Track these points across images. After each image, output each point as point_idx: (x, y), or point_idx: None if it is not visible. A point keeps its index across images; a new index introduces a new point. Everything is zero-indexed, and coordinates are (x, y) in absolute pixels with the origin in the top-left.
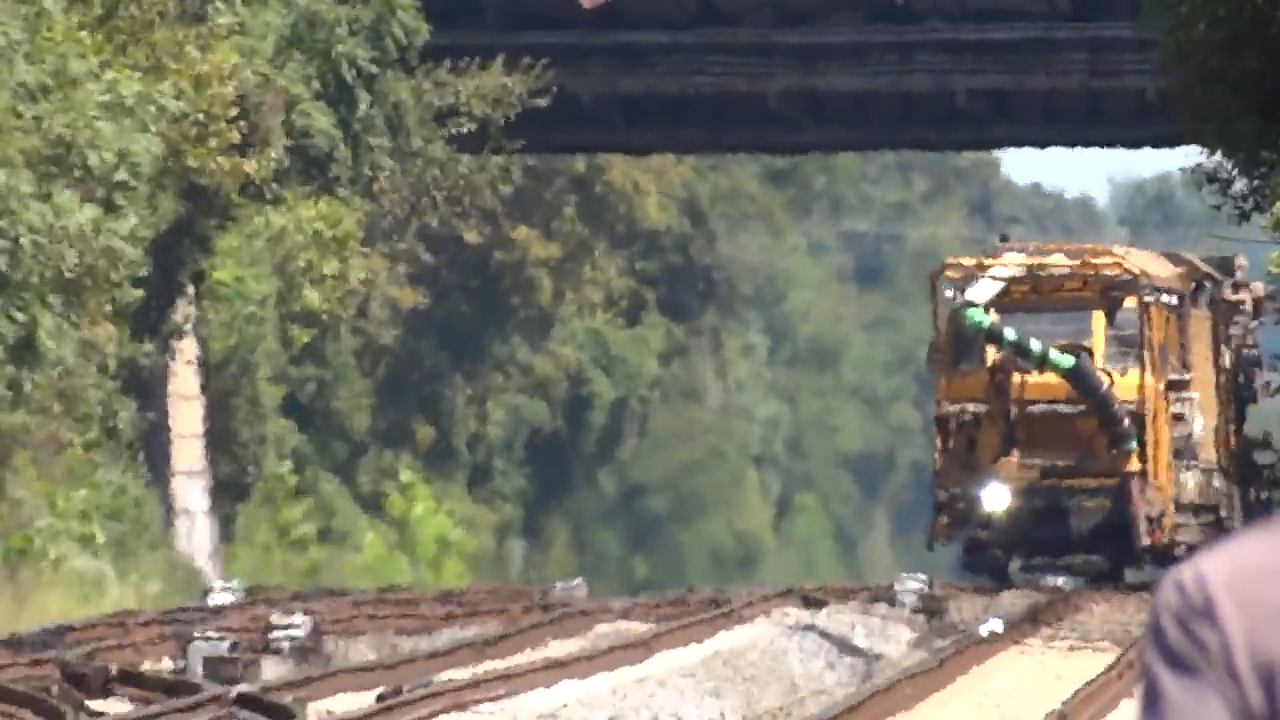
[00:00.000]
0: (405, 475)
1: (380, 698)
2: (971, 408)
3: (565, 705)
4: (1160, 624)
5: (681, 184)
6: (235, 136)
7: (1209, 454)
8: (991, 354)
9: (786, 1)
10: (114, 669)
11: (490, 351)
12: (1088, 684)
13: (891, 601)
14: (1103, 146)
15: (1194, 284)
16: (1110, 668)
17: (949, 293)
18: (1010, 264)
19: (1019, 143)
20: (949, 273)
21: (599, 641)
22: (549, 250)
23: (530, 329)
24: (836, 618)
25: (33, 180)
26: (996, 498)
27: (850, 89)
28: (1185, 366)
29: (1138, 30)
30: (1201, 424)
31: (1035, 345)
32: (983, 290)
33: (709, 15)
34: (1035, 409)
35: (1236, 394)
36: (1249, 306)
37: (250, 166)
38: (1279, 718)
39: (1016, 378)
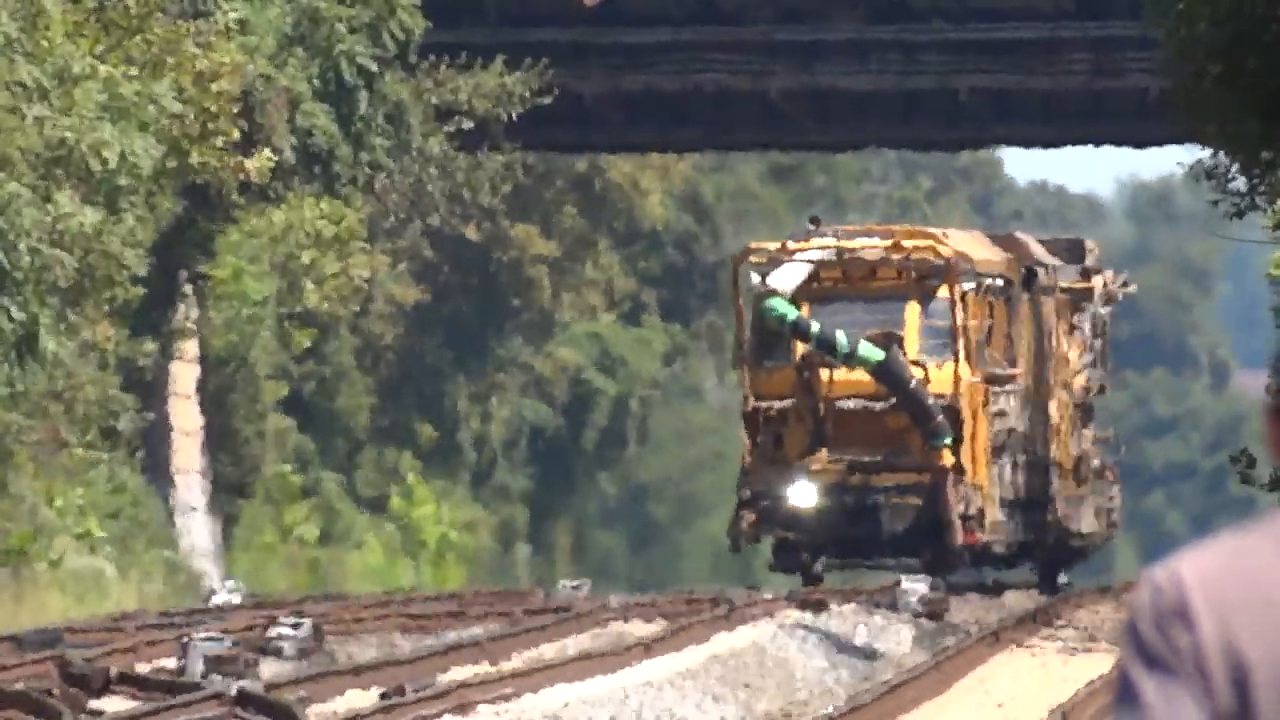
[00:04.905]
0: (407, 475)
1: (383, 697)
2: (779, 404)
3: (567, 705)
4: (1136, 624)
5: (684, 181)
6: (235, 134)
7: (1041, 449)
8: (799, 347)
9: None
10: (114, 670)
11: (492, 350)
12: (1089, 684)
13: (893, 603)
14: (1107, 145)
15: (1024, 270)
16: (1111, 668)
17: (754, 279)
18: (818, 248)
19: (1022, 142)
20: (753, 258)
21: (600, 642)
22: (549, 248)
23: (531, 329)
24: (838, 619)
25: (34, 181)
26: (804, 495)
27: (852, 87)
28: (1011, 358)
29: (1144, 28)
30: (1029, 418)
31: (842, 339)
32: (787, 277)
33: (710, 13)
34: (844, 404)
35: (1085, 386)
36: (1098, 294)
37: (252, 165)
38: (1249, 718)
39: (824, 373)
